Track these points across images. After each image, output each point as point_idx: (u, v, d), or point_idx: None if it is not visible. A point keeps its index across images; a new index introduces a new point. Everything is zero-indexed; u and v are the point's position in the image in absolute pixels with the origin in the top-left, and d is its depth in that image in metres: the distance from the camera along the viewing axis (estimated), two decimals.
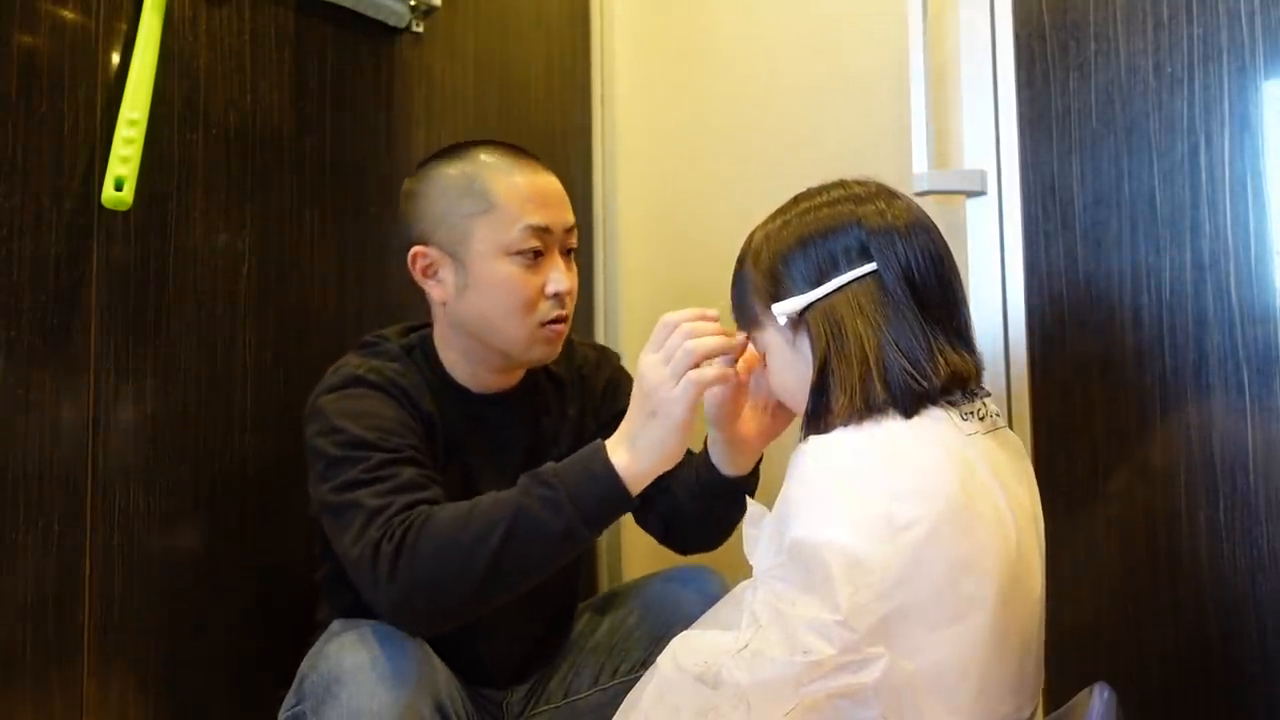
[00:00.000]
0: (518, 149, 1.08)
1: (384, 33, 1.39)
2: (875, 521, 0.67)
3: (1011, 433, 0.80)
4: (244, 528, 1.20)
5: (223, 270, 1.19)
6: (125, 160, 1.05)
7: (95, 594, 1.05)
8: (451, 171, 1.05)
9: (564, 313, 1.04)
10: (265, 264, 1.23)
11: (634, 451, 0.86)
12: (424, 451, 0.99)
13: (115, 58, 1.09)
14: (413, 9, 1.40)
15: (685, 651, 0.75)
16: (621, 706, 0.78)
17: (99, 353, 1.07)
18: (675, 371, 0.83)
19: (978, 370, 0.78)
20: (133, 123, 1.06)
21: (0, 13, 1.01)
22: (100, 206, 1.05)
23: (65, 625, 1.03)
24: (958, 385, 0.75)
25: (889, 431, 0.72)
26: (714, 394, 0.91)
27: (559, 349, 1.07)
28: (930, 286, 0.76)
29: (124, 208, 1.05)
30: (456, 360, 1.08)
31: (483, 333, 1.03)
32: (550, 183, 1.06)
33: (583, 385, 1.18)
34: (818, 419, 0.76)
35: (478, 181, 1.03)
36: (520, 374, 1.12)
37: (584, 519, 0.85)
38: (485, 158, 1.05)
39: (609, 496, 0.86)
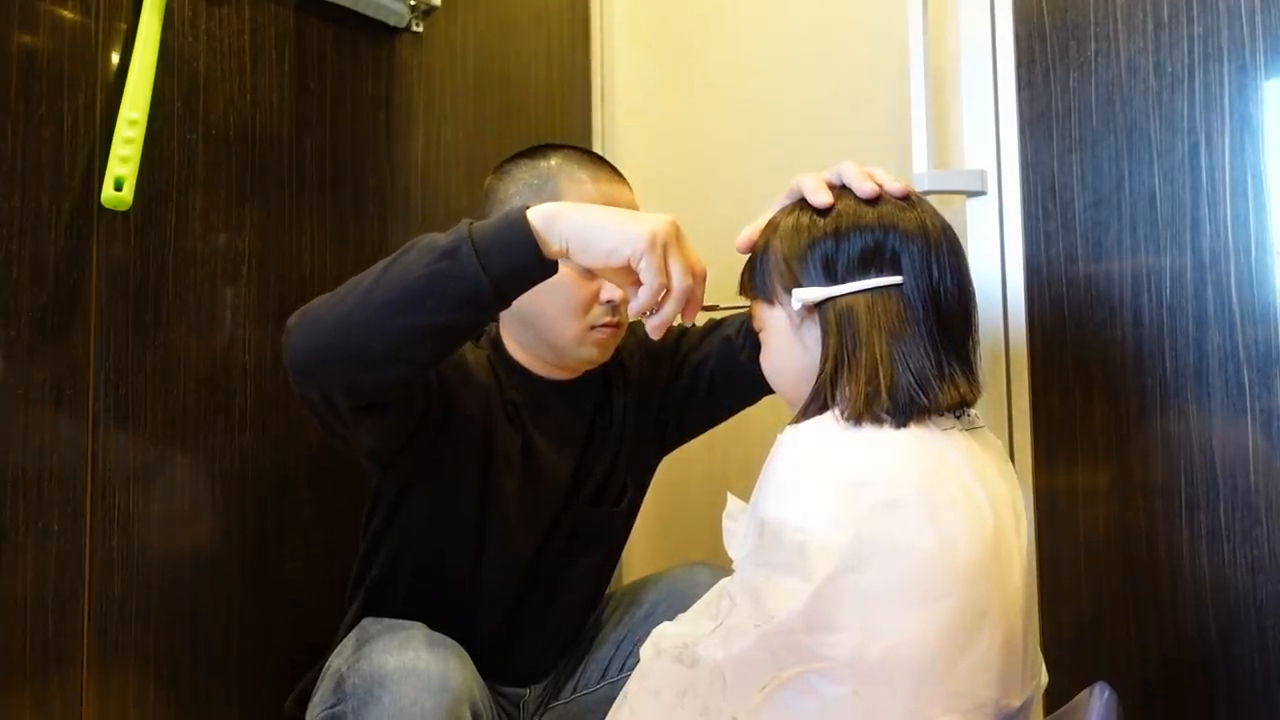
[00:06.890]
0: (596, 157, 1.09)
1: (384, 33, 1.39)
2: (842, 500, 0.67)
3: (990, 434, 0.80)
4: (243, 527, 1.20)
5: (223, 270, 1.19)
6: (125, 160, 1.05)
7: (95, 594, 1.05)
8: (529, 171, 1.06)
9: (616, 320, 1.05)
10: (265, 264, 1.23)
11: (559, 207, 0.82)
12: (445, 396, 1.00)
13: (115, 58, 1.09)
14: (413, 9, 1.40)
15: (664, 637, 0.75)
16: (615, 700, 0.78)
17: (99, 353, 1.07)
18: (671, 242, 0.80)
19: (976, 398, 0.78)
20: (132, 123, 1.06)
21: (0, 13, 1.01)
22: (100, 206, 1.05)
23: (65, 625, 1.03)
24: (956, 409, 0.75)
25: (867, 427, 0.72)
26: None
27: (610, 353, 1.09)
28: (953, 310, 0.76)
29: (124, 208, 1.05)
30: (517, 349, 1.10)
31: (538, 328, 1.05)
32: (622, 194, 1.07)
33: (624, 375, 1.19)
34: (812, 414, 0.76)
35: (551, 184, 1.04)
36: (580, 371, 1.13)
37: (476, 240, 0.80)
38: (564, 162, 1.06)
39: (510, 227, 0.81)
